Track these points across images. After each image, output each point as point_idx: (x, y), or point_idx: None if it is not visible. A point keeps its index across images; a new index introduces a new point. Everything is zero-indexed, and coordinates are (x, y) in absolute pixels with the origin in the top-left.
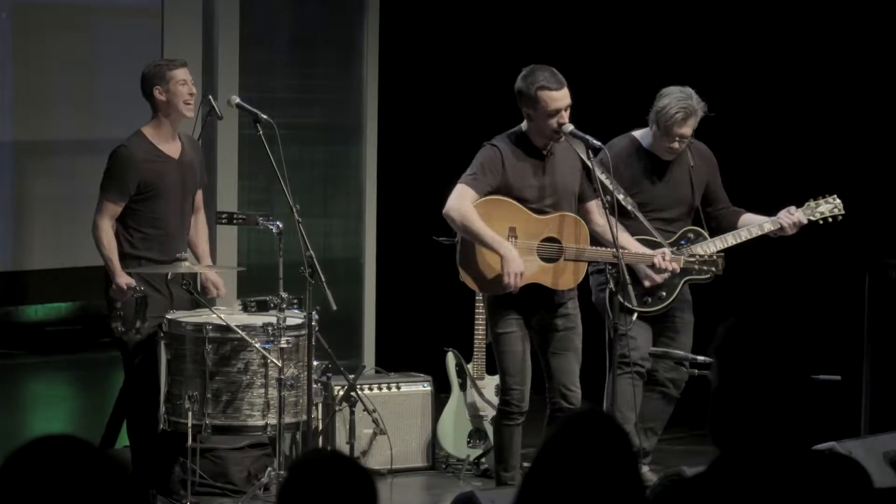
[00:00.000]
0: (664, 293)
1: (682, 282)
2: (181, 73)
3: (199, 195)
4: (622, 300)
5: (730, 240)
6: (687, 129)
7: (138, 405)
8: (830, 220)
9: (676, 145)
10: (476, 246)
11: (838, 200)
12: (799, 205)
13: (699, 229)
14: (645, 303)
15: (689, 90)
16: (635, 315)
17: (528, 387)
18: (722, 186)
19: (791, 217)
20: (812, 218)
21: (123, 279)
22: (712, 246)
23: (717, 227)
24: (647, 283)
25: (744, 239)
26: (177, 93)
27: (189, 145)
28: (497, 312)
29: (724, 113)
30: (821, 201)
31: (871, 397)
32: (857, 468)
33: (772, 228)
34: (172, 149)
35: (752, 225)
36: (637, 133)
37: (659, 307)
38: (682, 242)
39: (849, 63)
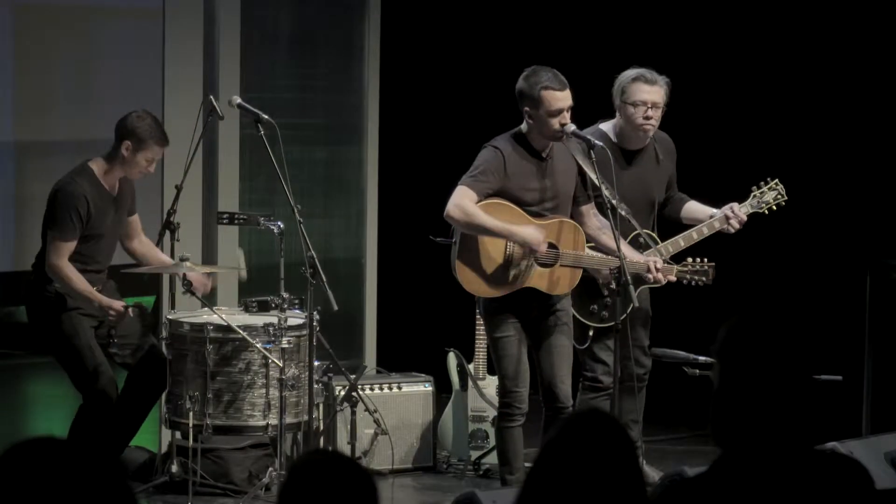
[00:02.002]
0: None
1: (640, 287)
2: (155, 153)
3: (137, 221)
4: (599, 311)
5: (681, 243)
6: (650, 96)
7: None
8: (775, 208)
9: (648, 112)
10: (476, 248)
11: (781, 186)
12: (744, 197)
13: (650, 232)
14: (602, 318)
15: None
16: (592, 332)
17: (527, 388)
18: (675, 174)
19: (738, 216)
20: (759, 210)
21: (116, 303)
22: (664, 251)
23: (662, 214)
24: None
25: (695, 240)
26: (138, 164)
27: (124, 179)
28: (493, 317)
29: (726, 110)
30: (765, 189)
31: (873, 397)
32: (859, 468)
33: (719, 227)
34: (114, 187)
35: (702, 225)
36: (604, 125)
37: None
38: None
39: (852, 64)
